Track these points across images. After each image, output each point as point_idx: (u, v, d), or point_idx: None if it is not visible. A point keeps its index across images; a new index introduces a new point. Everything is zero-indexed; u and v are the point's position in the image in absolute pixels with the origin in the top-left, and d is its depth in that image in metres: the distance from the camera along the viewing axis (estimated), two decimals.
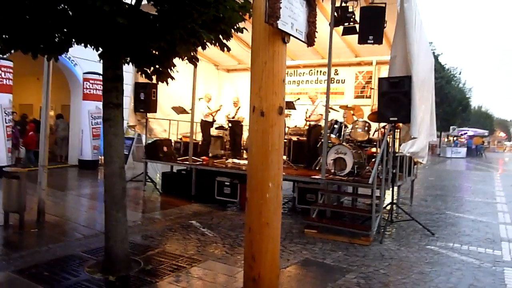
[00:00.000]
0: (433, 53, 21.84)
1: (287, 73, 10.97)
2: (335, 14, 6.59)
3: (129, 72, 6.77)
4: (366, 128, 7.14)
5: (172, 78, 4.54)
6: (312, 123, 8.51)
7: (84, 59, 12.04)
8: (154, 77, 4.55)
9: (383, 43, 8.05)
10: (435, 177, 15.11)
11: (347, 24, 6.74)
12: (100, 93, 11.96)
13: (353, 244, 5.38)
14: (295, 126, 9.46)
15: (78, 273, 4.05)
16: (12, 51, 3.92)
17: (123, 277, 3.96)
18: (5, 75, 9.55)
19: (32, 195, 6.22)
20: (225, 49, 4.30)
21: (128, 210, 4.34)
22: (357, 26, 6.57)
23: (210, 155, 9.84)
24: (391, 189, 6.69)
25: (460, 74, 35.68)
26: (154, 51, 4.22)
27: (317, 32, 3.61)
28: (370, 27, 6.26)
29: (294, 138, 9.37)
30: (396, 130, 6.41)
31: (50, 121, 10.77)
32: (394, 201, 6.65)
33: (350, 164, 6.74)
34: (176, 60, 4.45)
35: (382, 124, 7.05)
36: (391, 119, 5.84)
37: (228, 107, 10.40)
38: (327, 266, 4.50)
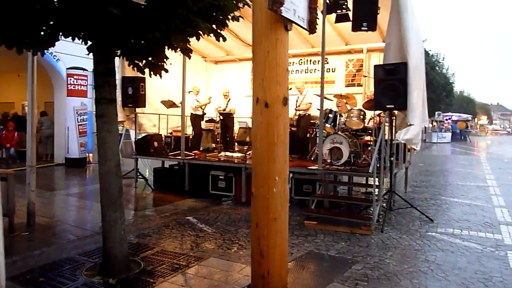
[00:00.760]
0: None
1: None
2: (327, 1, 6.46)
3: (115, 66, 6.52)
4: (361, 116, 7.07)
5: (166, 70, 4.36)
6: (302, 112, 8.42)
7: (67, 54, 11.65)
8: (146, 70, 4.36)
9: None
10: (424, 163, 15.24)
11: (339, 11, 6.62)
12: (85, 89, 11.65)
13: (354, 234, 5.33)
14: None
15: (76, 277, 3.88)
16: None
17: (124, 280, 3.81)
18: None
19: (21, 196, 5.98)
20: (220, 39, 4.13)
21: None
22: (350, 13, 6.46)
23: (201, 148, 9.68)
24: (388, 177, 6.65)
25: (443, 59, 36.04)
26: (146, 43, 4.03)
27: (318, 19, 3.48)
28: (364, 14, 6.16)
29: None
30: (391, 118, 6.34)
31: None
32: (393, 189, 6.60)
33: (346, 153, 6.67)
34: (167, 53, 4.27)
35: (377, 112, 7.01)
36: (387, 106, 5.78)
37: (217, 100, 10.22)
38: (332, 258, 4.43)
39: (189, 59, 4.65)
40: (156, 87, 9.23)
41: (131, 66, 4.33)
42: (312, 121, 8.41)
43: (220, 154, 8.75)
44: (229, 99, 9.79)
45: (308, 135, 8.34)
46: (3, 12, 3.35)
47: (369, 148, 7.22)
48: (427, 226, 5.73)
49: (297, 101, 8.55)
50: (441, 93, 33.40)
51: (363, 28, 6.07)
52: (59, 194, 8.14)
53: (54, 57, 11.60)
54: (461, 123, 36.36)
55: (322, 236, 5.24)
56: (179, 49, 4.24)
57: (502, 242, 5.01)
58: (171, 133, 10.06)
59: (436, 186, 9.58)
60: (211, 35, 4.02)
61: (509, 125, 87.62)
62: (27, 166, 5.58)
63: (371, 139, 7.72)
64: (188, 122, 9.53)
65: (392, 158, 6.30)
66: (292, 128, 9.16)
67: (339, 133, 6.98)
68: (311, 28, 3.37)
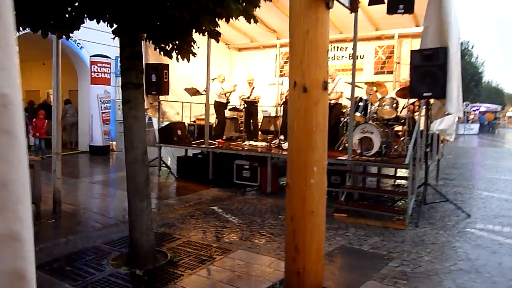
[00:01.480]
0: None
1: None
2: None
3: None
4: (394, 105, 6.74)
5: (194, 54, 4.16)
6: (333, 101, 8.11)
7: (90, 42, 11.64)
8: (174, 55, 4.17)
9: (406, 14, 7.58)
10: (453, 155, 14.70)
11: None
12: (108, 76, 11.62)
13: (387, 228, 5.08)
14: None
15: (102, 267, 3.79)
16: (20, 32, 3.57)
17: (151, 271, 3.69)
18: None
19: (47, 184, 5.96)
20: (252, 21, 3.90)
21: None
22: None
23: (225, 137, 9.51)
24: (423, 169, 6.33)
25: (472, 48, 34.72)
26: (173, 25, 3.84)
27: None
28: None
29: None
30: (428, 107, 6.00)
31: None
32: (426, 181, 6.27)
33: (377, 143, 6.37)
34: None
35: (411, 101, 6.67)
36: (424, 94, 5.45)
37: (241, 88, 10.00)
38: (366, 254, 4.21)
39: (217, 42, 4.45)
40: (180, 75, 9.09)
41: (158, 50, 4.15)
42: (343, 111, 8.12)
43: (244, 143, 8.57)
44: (253, 87, 9.56)
45: (340, 124, 8.04)
46: None
47: (402, 139, 6.88)
48: (464, 222, 5.42)
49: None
50: (469, 83, 32.25)
51: (399, 11, 5.72)
52: (84, 181, 8.14)
53: (78, 44, 11.60)
54: (490, 115, 35.06)
55: (353, 230, 5.01)
56: (206, 33, 4.06)
57: None
58: (194, 121, 9.93)
59: (469, 179, 9.17)
60: (240, 17, 3.81)
61: None
62: (53, 153, 5.53)
63: (402, 129, 7.39)
64: (212, 110, 9.37)
65: (427, 149, 5.97)
66: None
67: (370, 122, 6.68)
68: (353, 7, 3.12)
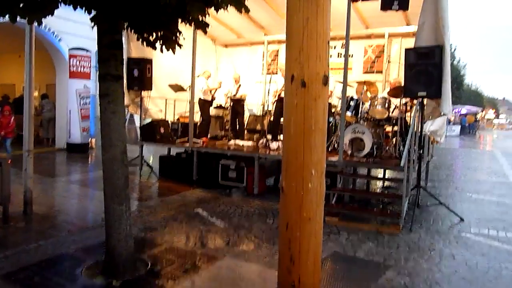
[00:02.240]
0: None
1: None
2: None
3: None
4: (386, 105, 6.54)
5: (180, 45, 3.83)
6: None
7: (69, 34, 11.12)
8: (158, 46, 3.84)
9: (398, 12, 7.41)
10: (436, 156, 14.69)
11: None
12: (88, 70, 11.14)
13: (380, 233, 4.86)
14: None
15: (75, 276, 3.45)
16: None
17: (129, 282, 3.36)
18: None
19: (18, 183, 5.53)
20: (243, 11, 3.60)
21: None
22: None
23: (209, 136, 9.18)
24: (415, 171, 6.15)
25: (454, 50, 35.13)
26: (157, 13, 3.51)
27: None
28: None
29: None
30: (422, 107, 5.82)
31: (34, 102, 9.93)
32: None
33: (369, 144, 6.17)
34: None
35: (403, 101, 6.50)
36: (419, 94, 5.27)
37: (227, 85, 9.67)
38: (361, 261, 3.96)
39: (205, 34, 4.16)
40: (163, 70, 8.72)
41: (140, 41, 3.81)
42: (332, 110, 7.89)
43: (230, 143, 8.26)
44: (240, 84, 9.25)
45: (330, 124, 7.81)
46: None
47: (393, 140, 6.69)
48: (459, 226, 5.25)
49: None
50: (451, 85, 32.59)
51: (393, 7, 5.52)
52: (59, 181, 7.69)
53: (56, 36, 11.05)
54: (470, 117, 35.62)
55: (345, 235, 4.77)
56: (193, 23, 3.75)
57: None
58: (177, 119, 9.55)
59: (457, 181, 9.09)
60: (229, 10, 3.52)
61: None
62: (24, 150, 5.11)
63: (391, 130, 7.22)
64: (196, 108, 9.01)
65: (421, 151, 5.79)
66: None
67: (361, 122, 6.47)
68: None
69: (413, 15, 7.52)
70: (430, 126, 6.44)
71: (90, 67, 11.19)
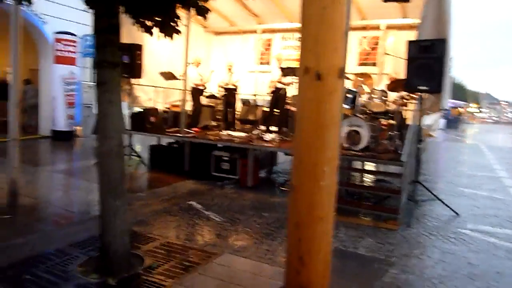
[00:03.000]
0: None
1: (285, 37, 10.10)
2: None
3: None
4: (383, 98, 6.46)
5: (178, 32, 3.64)
6: None
7: (55, 17, 10.66)
8: (155, 32, 3.64)
9: (394, 3, 7.29)
10: (426, 150, 14.83)
11: None
12: (74, 56, 10.74)
13: (379, 228, 4.80)
14: (294, 96, 8.69)
15: (68, 274, 3.26)
16: None
17: (126, 280, 3.20)
18: None
19: (1, 172, 5.28)
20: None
21: None
22: None
23: (200, 126, 8.97)
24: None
25: None
26: None
27: None
28: None
29: (294, 108, 8.61)
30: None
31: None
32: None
33: (365, 137, 6.09)
34: None
35: (400, 94, 6.43)
36: (420, 88, 5.19)
37: (218, 74, 9.44)
38: (363, 258, 3.89)
39: (205, 20, 3.95)
40: (153, 57, 8.45)
41: (138, 25, 3.60)
42: None
43: (222, 133, 8.08)
44: (233, 73, 9.04)
45: None
46: None
47: (390, 133, 6.62)
48: (455, 222, 5.24)
49: None
50: None
51: None
52: (45, 170, 7.42)
53: (40, 19, 10.58)
54: (455, 110, 36.16)
55: (344, 230, 4.70)
56: (192, 8, 3.56)
57: None
58: (168, 108, 9.31)
59: (448, 176, 9.13)
60: None
61: (496, 114, 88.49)
62: (10, 139, 4.85)
63: (387, 123, 7.15)
64: (188, 97, 8.78)
65: (419, 145, 5.74)
66: None
67: (358, 115, 6.38)
68: None
69: (411, 8, 7.43)
70: (426, 120, 6.41)
71: (76, 52, 10.78)
